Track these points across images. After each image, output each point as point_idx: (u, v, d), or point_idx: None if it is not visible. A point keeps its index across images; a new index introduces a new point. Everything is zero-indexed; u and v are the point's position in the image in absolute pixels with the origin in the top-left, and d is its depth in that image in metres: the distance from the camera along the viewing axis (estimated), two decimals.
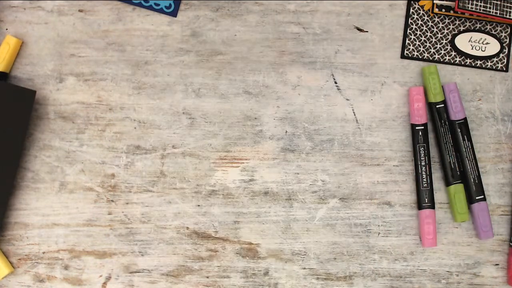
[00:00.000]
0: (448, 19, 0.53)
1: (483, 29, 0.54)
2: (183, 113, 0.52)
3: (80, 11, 0.52)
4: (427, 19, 0.53)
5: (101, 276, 0.51)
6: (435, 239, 0.50)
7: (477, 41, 0.53)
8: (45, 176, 0.51)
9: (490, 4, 0.51)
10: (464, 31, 0.53)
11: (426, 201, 0.51)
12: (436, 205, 0.52)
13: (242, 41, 0.53)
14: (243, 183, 0.52)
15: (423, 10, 0.53)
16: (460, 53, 0.53)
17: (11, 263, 0.51)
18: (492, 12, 0.51)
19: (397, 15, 0.53)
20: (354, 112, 0.53)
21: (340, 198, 0.52)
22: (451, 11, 0.53)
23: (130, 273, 0.51)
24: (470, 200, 0.51)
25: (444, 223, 0.52)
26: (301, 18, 0.53)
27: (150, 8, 0.52)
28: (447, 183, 0.52)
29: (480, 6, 0.51)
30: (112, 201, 0.51)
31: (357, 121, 0.53)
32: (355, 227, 0.52)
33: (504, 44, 0.54)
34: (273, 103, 0.52)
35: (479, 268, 0.52)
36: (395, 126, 0.53)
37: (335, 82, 0.52)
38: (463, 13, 0.53)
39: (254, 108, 0.52)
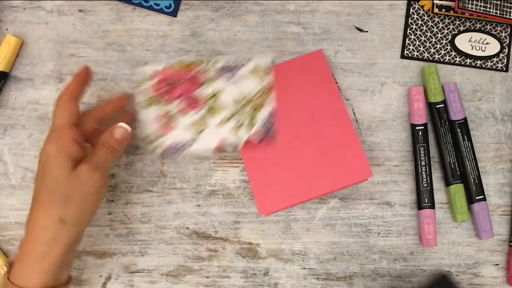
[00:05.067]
0: (448, 19, 0.53)
1: (483, 29, 0.54)
2: None
3: (80, 11, 0.52)
4: (427, 19, 0.53)
5: (101, 276, 0.51)
6: (435, 239, 0.50)
7: (477, 41, 0.53)
8: None
9: (490, 4, 0.51)
10: (464, 31, 0.53)
11: (426, 201, 0.51)
12: (436, 205, 0.52)
13: (242, 41, 0.53)
14: (243, 183, 0.52)
15: (423, 10, 0.53)
16: (460, 53, 0.53)
17: None
18: (492, 12, 0.51)
19: (397, 15, 0.53)
20: (354, 112, 0.53)
21: (340, 198, 0.52)
22: (451, 11, 0.53)
23: (130, 273, 0.51)
24: (470, 200, 0.51)
25: (444, 223, 0.52)
26: (301, 18, 0.53)
27: (150, 8, 0.52)
28: (447, 183, 0.52)
29: (480, 6, 0.51)
30: (112, 201, 0.51)
31: (357, 121, 0.53)
32: (355, 227, 0.52)
33: (504, 44, 0.54)
34: None
35: (479, 268, 0.52)
36: (395, 126, 0.53)
37: (335, 82, 0.52)
38: (463, 13, 0.53)
39: None
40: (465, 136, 0.51)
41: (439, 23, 0.53)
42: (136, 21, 0.52)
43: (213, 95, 0.45)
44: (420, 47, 0.53)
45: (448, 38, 0.53)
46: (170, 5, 0.52)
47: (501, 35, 0.54)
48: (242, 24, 0.52)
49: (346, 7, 0.53)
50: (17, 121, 0.52)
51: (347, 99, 0.53)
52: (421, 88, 0.52)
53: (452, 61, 0.53)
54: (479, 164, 0.53)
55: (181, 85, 0.46)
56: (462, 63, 0.53)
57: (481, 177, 0.52)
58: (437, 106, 0.51)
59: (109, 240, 0.51)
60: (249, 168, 0.49)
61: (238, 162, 0.52)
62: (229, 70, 0.46)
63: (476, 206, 0.51)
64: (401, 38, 0.53)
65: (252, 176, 0.49)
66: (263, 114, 0.46)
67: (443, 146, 0.51)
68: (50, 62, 0.52)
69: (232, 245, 0.51)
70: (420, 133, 0.51)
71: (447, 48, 0.53)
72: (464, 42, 0.53)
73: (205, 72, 0.46)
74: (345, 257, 0.52)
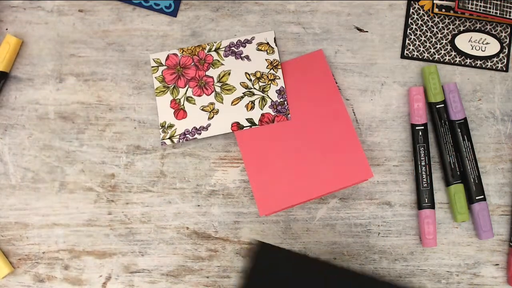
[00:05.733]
0: (448, 19, 0.53)
1: (483, 29, 0.54)
2: None
3: (80, 11, 0.52)
4: (427, 19, 0.53)
5: (101, 276, 0.51)
6: (435, 239, 0.50)
7: (477, 41, 0.53)
8: (45, 176, 0.51)
9: (490, 4, 0.51)
10: (464, 31, 0.53)
11: (426, 201, 0.51)
12: (436, 205, 0.52)
13: None
14: (243, 183, 0.52)
15: (423, 10, 0.53)
16: (460, 53, 0.53)
17: (11, 263, 0.51)
18: (492, 12, 0.51)
19: (397, 15, 0.53)
20: (354, 112, 0.53)
21: (340, 198, 0.52)
22: (451, 11, 0.53)
23: (130, 273, 0.51)
24: (470, 200, 0.51)
25: (444, 223, 0.52)
26: (301, 18, 0.53)
27: (150, 8, 0.52)
28: (447, 183, 0.52)
29: (480, 6, 0.51)
30: (112, 201, 0.51)
31: (357, 121, 0.53)
32: (355, 227, 0.52)
33: (504, 44, 0.54)
34: None
35: (479, 268, 0.52)
36: (395, 126, 0.53)
37: (335, 82, 0.52)
38: (463, 13, 0.53)
39: None
40: (465, 136, 0.51)
41: (439, 23, 0.53)
42: (136, 21, 0.52)
43: (223, 76, 0.45)
44: (420, 47, 0.53)
45: (448, 38, 0.53)
46: (170, 5, 0.52)
47: (501, 35, 0.54)
48: (242, 24, 0.52)
49: (346, 7, 0.53)
50: (17, 121, 0.52)
51: (347, 99, 0.53)
52: (421, 88, 0.52)
53: (452, 61, 0.53)
54: (479, 164, 0.53)
55: (189, 70, 0.46)
56: (462, 63, 0.53)
57: (481, 177, 0.52)
58: (437, 106, 0.51)
59: (109, 240, 0.51)
60: (249, 168, 0.49)
61: (238, 162, 0.52)
62: (234, 49, 0.46)
63: (476, 206, 0.51)
64: (401, 38, 0.53)
65: (252, 176, 0.49)
66: (274, 89, 0.46)
67: (443, 146, 0.51)
68: (50, 62, 0.52)
69: (232, 245, 0.51)
70: (420, 133, 0.51)
71: (447, 48, 0.53)
72: (464, 42, 0.53)
73: (211, 54, 0.46)
74: (345, 257, 0.52)
